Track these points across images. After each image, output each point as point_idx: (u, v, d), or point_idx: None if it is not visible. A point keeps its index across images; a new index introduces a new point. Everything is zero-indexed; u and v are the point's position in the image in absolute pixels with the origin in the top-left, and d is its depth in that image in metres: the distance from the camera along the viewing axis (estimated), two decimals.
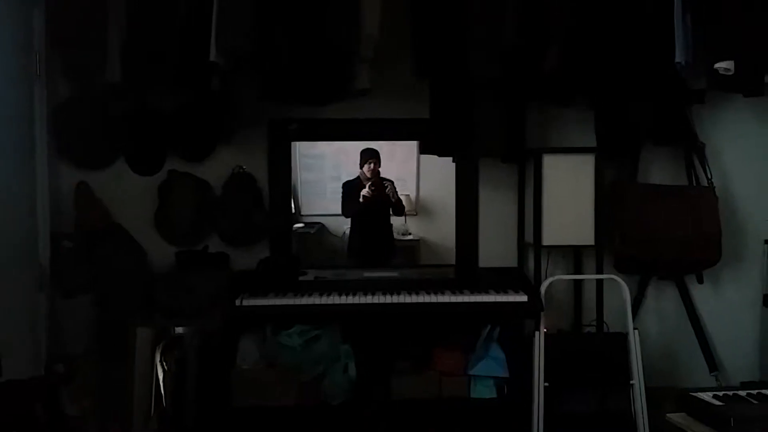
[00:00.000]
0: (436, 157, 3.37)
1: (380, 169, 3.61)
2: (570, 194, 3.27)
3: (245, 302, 3.04)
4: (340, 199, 3.61)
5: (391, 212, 3.66)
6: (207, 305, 3.18)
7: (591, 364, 3.15)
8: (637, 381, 3.10)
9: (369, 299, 3.05)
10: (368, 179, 3.58)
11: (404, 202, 3.69)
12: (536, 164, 3.29)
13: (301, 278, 3.30)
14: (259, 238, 3.43)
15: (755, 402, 2.25)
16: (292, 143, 3.45)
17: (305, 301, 3.04)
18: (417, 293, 3.09)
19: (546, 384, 3.07)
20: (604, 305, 3.37)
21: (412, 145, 3.57)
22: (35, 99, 3.18)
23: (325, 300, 3.04)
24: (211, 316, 3.13)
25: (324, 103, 3.13)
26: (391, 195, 3.59)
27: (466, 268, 3.42)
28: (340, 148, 3.61)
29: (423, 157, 3.51)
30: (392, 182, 3.60)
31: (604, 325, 3.36)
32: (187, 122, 3.32)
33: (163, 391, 3.06)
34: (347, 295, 3.07)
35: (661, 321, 3.55)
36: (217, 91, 2.93)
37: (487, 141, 3.17)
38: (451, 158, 3.43)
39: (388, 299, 3.05)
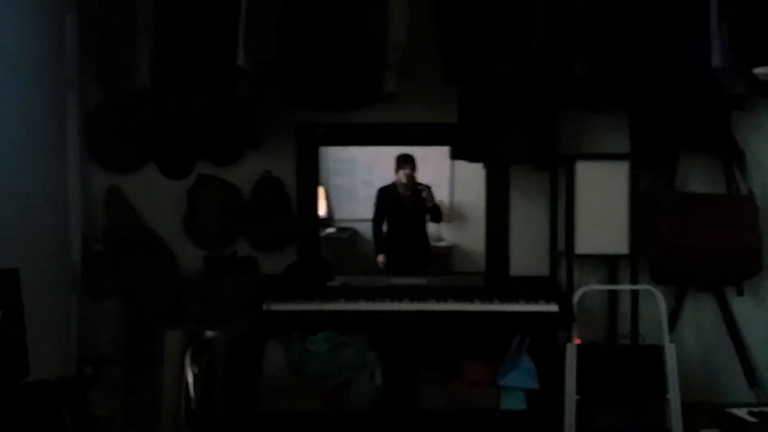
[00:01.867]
0: (470, 162, 3.33)
1: (416, 175, 3.55)
2: (604, 202, 3.21)
3: (272, 307, 3.02)
4: (374, 205, 3.56)
5: (428, 219, 3.59)
6: (234, 310, 3.18)
7: (625, 377, 3.07)
8: (673, 396, 3.00)
9: (396, 306, 3.01)
10: (404, 185, 3.53)
11: None
12: (569, 171, 3.24)
13: (328, 284, 3.28)
14: (287, 243, 3.43)
15: None
16: (320, 148, 3.44)
17: (332, 306, 3.02)
18: (445, 301, 3.05)
19: (578, 397, 2.99)
20: (640, 317, 3.29)
21: (446, 151, 3.51)
22: (67, 103, 3.23)
23: (351, 306, 3.02)
24: (238, 320, 3.12)
25: (351, 109, 3.12)
26: (427, 200, 3.52)
27: (496, 276, 3.37)
28: (373, 153, 3.57)
29: (458, 162, 3.45)
30: (429, 187, 3.53)
31: (640, 337, 3.27)
32: (216, 127, 3.34)
33: (192, 395, 3.05)
34: (374, 301, 3.03)
35: (699, 334, 3.44)
36: (245, 96, 2.93)
37: (517, 147, 3.11)
38: (482, 164, 3.38)
39: (416, 306, 3.02)
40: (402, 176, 3.53)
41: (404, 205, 3.56)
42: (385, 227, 3.60)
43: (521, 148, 3.13)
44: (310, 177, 3.42)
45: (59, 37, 3.16)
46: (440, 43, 3.00)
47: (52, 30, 3.10)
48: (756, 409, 2.22)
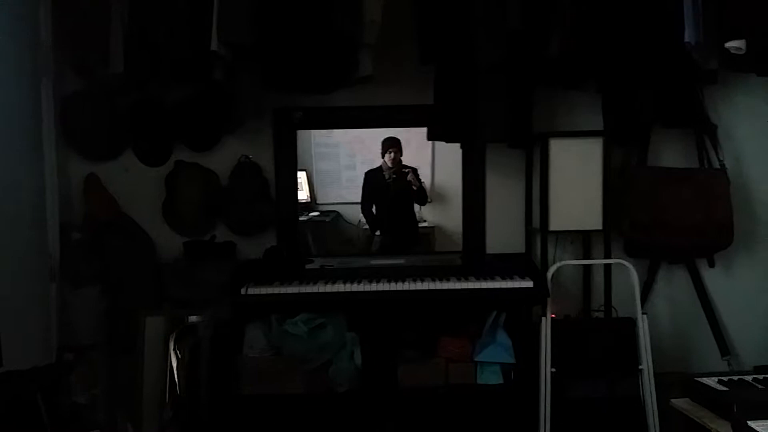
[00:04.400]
0: (451, 144, 3.36)
1: (401, 158, 3.57)
2: (578, 179, 3.22)
3: (250, 291, 3.04)
4: (360, 189, 3.58)
5: (415, 201, 3.62)
6: (214, 294, 3.19)
7: (599, 349, 3.11)
8: (646, 366, 3.06)
9: (374, 287, 3.04)
10: (389, 168, 3.55)
11: None
12: (543, 149, 3.25)
13: (307, 266, 3.30)
14: (266, 228, 3.44)
15: (760, 387, 2.21)
16: (299, 132, 3.45)
17: (310, 289, 3.04)
18: (422, 280, 3.08)
19: (553, 370, 3.05)
20: (613, 291, 3.33)
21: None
22: (42, 92, 3.20)
23: (330, 288, 3.04)
24: (218, 305, 3.14)
25: (328, 91, 3.12)
26: (412, 182, 3.54)
27: (472, 254, 3.41)
28: (355, 137, 3.59)
29: (438, 144, 3.48)
30: (415, 170, 3.56)
31: (613, 310, 3.32)
32: (193, 113, 3.33)
33: (177, 379, 3.08)
34: (352, 282, 3.06)
35: (672, 306, 3.50)
36: (220, 81, 2.92)
37: (493, 126, 3.12)
38: (459, 144, 3.41)
39: (393, 287, 3.04)
40: (387, 159, 3.54)
41: (390, 188, 3.58)
42: (374, 209, 3.63)
43: (498, 127, 3.13)
44: (288, 161, 3.43)
45: (33, 24, 3.13)
46: (416, 23, 2.98)
47: (25, 18, 3.07)
48: (725, 378, 2.26)
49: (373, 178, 3.58)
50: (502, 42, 2.91)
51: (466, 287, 3.05)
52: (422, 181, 3.58)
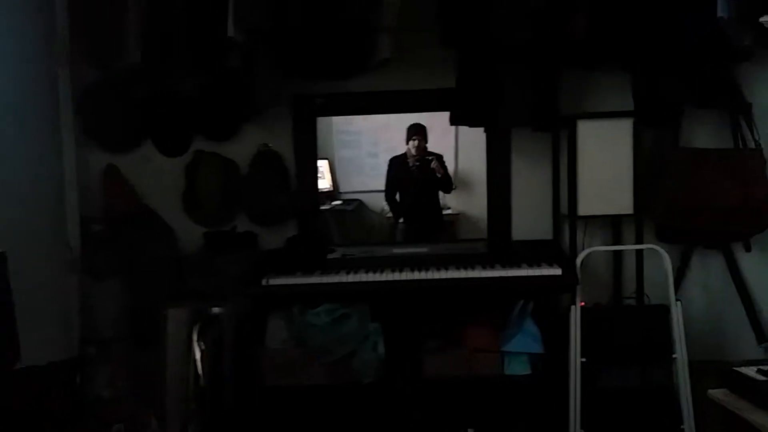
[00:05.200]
0: (475, 129, 3.27)
1: (426, 145, 3.49)
2: (607, 162, 3.13)
3: (272, 281, 3.00)
4: (385, 176, 3.53)
5: (439, 189, 3.55)
6: (235, 285, 3.15)
7: (631, 338, 3.02)
8: (680, 355, 2.96)
9: (396, 276, 2.97)
10: (413, 155, 3.48)
11: None
12: (570, 131, 3.16)
13: (329, 256, 3.25)
14: (287, 217, 3.40)
15: None
16: (319, 119, 3.39)
17: (332, 279, 2.99)
18: (447, 269, 3.01)
19: (583, 359, 2.96)
20: (645, 277, 3.23)
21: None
22: (60, 83, 3.18)
23: (352, 278, 2.98)
24: (239, 296, 3.10)
25: (347, 77, 3.07)
26: (436, 170, 3.47)
27: (498, 241, 3.32)
28: (378, 124, 3.53)
29: (462, 129, 3.39)
30: (440, 157, 3.48)
31: (645, 297, 3.21)
32: (211, 101, 3.29)
33: (201, 372, 3.05)
34: (374, 272, 3.00)
35: (707, 292, 3.38)
36: (237, 68, 2.88)
37: (517, 110, 3.03)
38: (483, 129, 3.32)
39: (416, 275, 2.98)
40: (412, 147, 3.47)
41: (414, 175, 3.51)
42: (398, 197, 3.57)
43: (522, 110, 3.05)
44: (308, 149, 3.37)
45: (49, 15, 3.10)
46: (437, 4, 2.90)
47: (41, 8, 3.05)
48: (765, 367, 2.15)
49: (397, 165, 3.52)
50: (525, 22, 2.82)
51: (491, 275, 2.97)
52: (447, 168, 3.50)
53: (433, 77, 3.22)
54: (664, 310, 3.02)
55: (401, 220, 3.59)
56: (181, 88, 3.27)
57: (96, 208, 3.38)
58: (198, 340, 3.04)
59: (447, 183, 3.52)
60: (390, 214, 3.59)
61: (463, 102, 3.17)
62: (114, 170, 3.40)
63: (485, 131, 3.34)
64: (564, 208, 3.28)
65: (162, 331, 3.12)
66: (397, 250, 3.31)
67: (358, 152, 3.56)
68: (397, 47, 2.96)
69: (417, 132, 3.46)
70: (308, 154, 3.37)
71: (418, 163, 3.48)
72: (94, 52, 3.24)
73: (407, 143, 3.48)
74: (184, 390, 3.07)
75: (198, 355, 3.04)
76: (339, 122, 3.51)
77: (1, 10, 2.71)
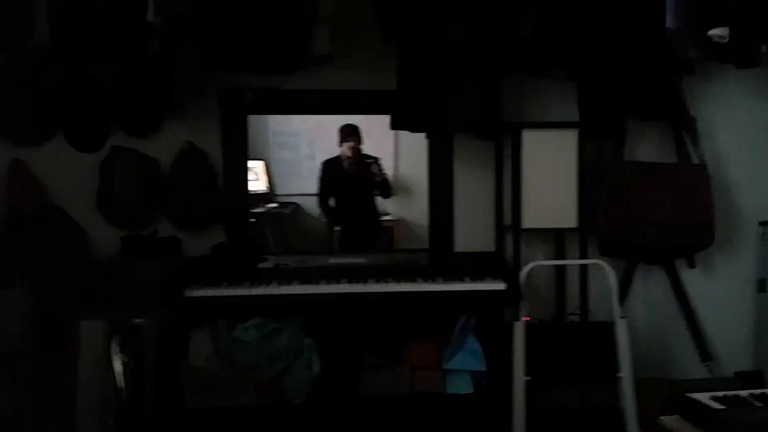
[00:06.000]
0: (412, 133, 3.13)
1: (362, 147, 3.37)
2: (551, 173, 3.06)
3: (196, 293, 2.78)
4: (318, 179, 3.39)
5: (377, 193, 3.41)
6: (156, 295, 2.91)
7: (575, 355, 2.95)
8: (626, 373, 2.89)
9: (332, 288, 2.83)
10: (348, 158, 3.33)
11: None
12: (514, 140, 3.08)
13: (260, 265, 3.03)
14: (213, 222, 3.17)
15: (759, 404, 2.03)
16: (256, 118, 3.22)
17: (262, 291, 2.81)
18: (386, 281, 2.88)
19: (527, 377, 2.86)
20: (589, 292, 3.17)
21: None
22: None
23: (284, 290, 2.81)
24: (160, 307, 2.87)
25: (280, 72, 2.88)
26: (376, 174, 3.33)
27: (440, 253, 3.20)
28: (316, 125, 3.41)
29: (402, 133, 3.26)
30: (378, 160, 3.35)
31: (589, 313, 3.15)
32: (129, 92, 3.06)
33: (123, 385, 2.80)
34: (309, 283, 2.84)
35: (650, 308, 3.35)
36: (158, 56, 2.65)
37: (460, 115, 2.92)
38: (424, 134, 3.19)
39: (353, 288, 2.84)
40: (346, 149, 3.33)
41: (350, 179, 3.39)
42: (332, 202, 3.43)
43: (465, 115, 2.94)
44: (237, 148, 3.16)
45: None
46: None
47: None
48: (720, 394, 2.07)
49: (331, 168, 3.39)
50: (472, 18, 2.72)
51: (433, 289, 2.86)
52: (386, 172, 3.36)
53: (375, 77, 3.08)
54: (609, 327, 2.95)
55: (336, 227, 3.44)
56: (97, 75, 3.02)
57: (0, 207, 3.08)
58: (120, 352, 2.81)
59: (386, 187, 3.40)
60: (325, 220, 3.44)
61: (404, 105, 3.02)
62: (20, 165, 3.12)
63: (427, 137, 3.21)
64: (507, 219, 3.18)
65: (72, 344, 2.90)
66: (333, 260, 3.16)
67: (295, 153, 3.45)
68: (335, 44, 2.82)
69: (351, 133, 3.33)
70: (237, 153, 3.16)
71: (355, 166, 3.33)
72: None
73: (340, 145, 3.35)
74: (99, 406, 2.86)
75: (119, 368, 2.81)
76: (275, 122, 3.38)
77: None
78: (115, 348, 2.82)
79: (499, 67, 3.03)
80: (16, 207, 3.10)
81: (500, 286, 2.87)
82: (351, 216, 3.48)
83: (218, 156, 3.16)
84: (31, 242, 3.05)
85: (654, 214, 3.11)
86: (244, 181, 3.18)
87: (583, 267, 3.16)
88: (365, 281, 2.86)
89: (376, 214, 3.45)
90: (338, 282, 2.85)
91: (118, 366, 2.81)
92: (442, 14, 2.70)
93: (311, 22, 2.68)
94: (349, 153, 3.33)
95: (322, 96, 3.14)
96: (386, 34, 2.81)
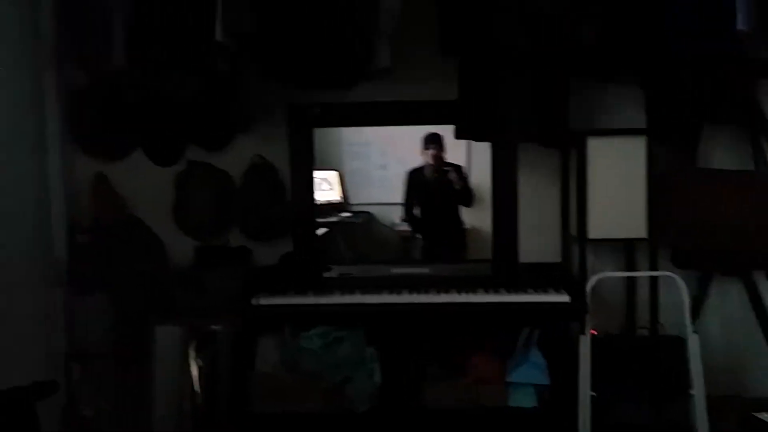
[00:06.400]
0: (476, 142, 3.12)
1: (444, 155, 3.33)
2: (619, 181, 2.98)
3: (263, 301, 2.85)
4: (394, 189, 3.40)
5: (458, 202, 3.38)
6: (226, 303, 3.01)
7: (644, 371, 2.86)
8: (698, 391, 2.77)
9: (394, 298, 2.83)
10: (430, 166, 3.33)
11: None
12: (580, 149, 3.00)
13: (324, 275, 3.09)
14: (281, 232, 3.25)
15: None
16: (328, 130, 3.27)
17: (326, 300, 2.85)
18: (447, 292, 2.86)
19: (593, 393, 2.77)
20: (660, 306, 3.07)
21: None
22: (46, 87, 3.07)
23: (347, 299, 2.84)
24: (230, 314, 2.96)
25: (344, 87, 2.92)
26: (454, 182, 3.31)
27: (504, 263, 3.14)
28: (387, 136, 3.41)
29: (474, 142, 3.23)
30: (457, 168, 3.32)
31: (660, 327, 3.05)
32: (203, 109, 3.16)
33: (198, 389, 2.94)
34: (372, 293, 2.86)
35: (726, 323, 3.20)
36: (227, 74, 2.75)
37: (524, 123, 2.88)
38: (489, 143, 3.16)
39: (416, 298, 2.83)
40: (428, 157, 3.32)
41: (432, 187, 3.37)
42: (417, 211, 3.43)
43: (528, 124, 2.90)
44: (304, 161, 3.20)
45: (34, 17, 3.00)
46: (437, 10, 2.76)
47: (26, 11, 2.95)
48: None
49: (415, 177, 3.38)
50: (531, 28, 2.70)
51: (495, 300, 2.83)
52: (467, 179, 3.33)
53: (435, 88, 3.08)
54: (680, 342, 2.84)
55: (419, 236, 3.43)
56: (172, 94, 3.14)
57: (83, 217, 3.25)
58: (196, 357, 2.95)
59: (466, 196, 3.34)
60: (400, 228, 3.44)
61: (466, 114, 3.01)
62: (102, 179, 3.28)
63: (491, 146, 3.18)
64: (574, 229, 3.11)
65: (149, 348, 3.03)
66: (397, 270, 3.14)
67: (368, 164, 3.46)
68: (399, 56, 2.83)
69: (432, 141, 3.31)
70: (304, 166, 3.20)
71: (435, 174, 3.32)
72: (81, 54, 3.11)
73: (423, 153, 3.34)
74: (174, 409, 2.97)
75: (195, 373, 2.94)
76: (348, 133, 3.41)
77: None
78: (191, 353, 2.95)
79: (563, 74, 2.97)
80: (99, 218, 3.25)
81: (565, 298, 2.81)
82: (434, 225, 3.45)
83: (286, 168, 3.22)
84: (113, 251, 3.20)
85: (730, 223, 2.98)
86: (310, 193, 3.23)
87: (654, 279, 3.06)
88: (427, 292, 2.85)
89: (458, 223, 3.39)
90: (399, 292, 2.85)
91: (194, 370, 2.93)
92: (503, 23, 2.68)
93: (373, 37, 2.71)
94: (430, 160, 3.33)
95: (385, 107, 3.15)
96: (446, 44, 2.81)
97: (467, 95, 2.95)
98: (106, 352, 3.18)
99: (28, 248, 2.95)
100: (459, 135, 3.15)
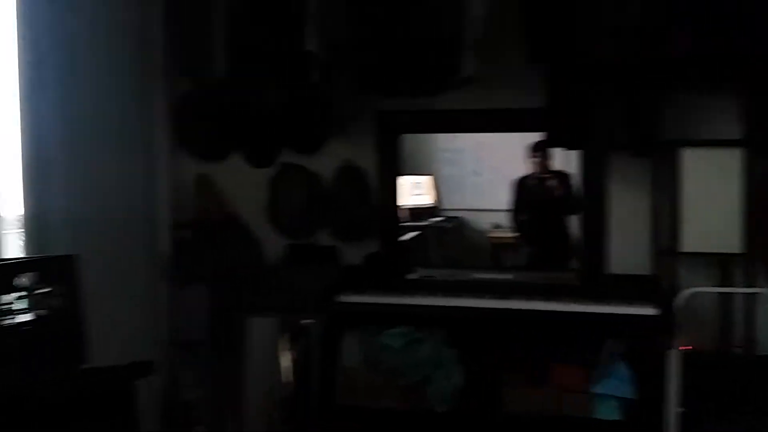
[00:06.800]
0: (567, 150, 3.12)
1: (549, 162, 3.36)
2: (713, 193, 2.88)
3: (347, 299, 2.94)
4: (487, 195, 3.50)
5: (562, 210, 3.38)
6: (312, 299, 3.11)
7: (737, 390, 2.75)
8: None
9: (476, 303, 2.86)
10: (534, 173, 3.38)
11: None
12: (673, 159, 2.92)
13: (408, 276, 3.15)
14: (367, 233, 3.33)
15: None
16: (421, 136, 3.40)
17: (408, 300, 2.91)
18: (530, 299, 2.85)
19: (682, 409, 2.68)
20: (757, 323, 2.93)
21: None
22: (154, 93, 3.27)
23: (428, 301, 2.89)
24: (314, 311, 3.06)
25: (430, 94, 2.96)
26: (555, 189, 3.32)
27: (591, 273, 3.09)
28: (480, 143, 3.48)
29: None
30: (562, 175, 3.32)
31: (757, 345, 2.91)
32: (296, 115, 3.29)
33: (291, 380, 3.06)
34: (454, 296, 2.89)
35: None
36: (318, 83, 2.85)
37: (614, 132, 2.83)
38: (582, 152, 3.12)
39: (498, 304, 2.85)
40: (532, 165, 3.35)
41: (535, 195, 3.40)
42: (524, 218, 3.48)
43: (618, 133, 2.84)
44: (390, 166, 3.28)
45: (146, 27, 3.20)
46: (524, 19, 2.77)
47: (135, 20, 3.15)
48: None
49: (522, 184, 3.41)
50: (618, 36, 2.66)
51: (579, 310, 2.80)
52: (571, 187, 3.30)
53: (521, 96, 3.05)
54: None
55: (522, 242, 3.47)
56: (268, 101, 3.29)
57: (186, 215, 3.44)
58: (290, 349, 3.06)
59: (569, 204, 3.30)
60: (494, 234, 3.49)
61: (555, 122, 2.99)
62: (205, 179, 3.47)
63: (581, 154, 3.13)
64: (664, 241, 3.02)
65: (242, 339, 3.18)
66: (481, 275, 3.16)
67: (461, 170, 3.52)
68: (485, 63, 2.84)
69: (536, 149, 3.33)
70: (390, 171, 3.27)
71: (538, 182, 3.34)
72: (186, 63, 3.30)
73: (528, 161, 3.37)
74: (266, 398, 3.10)
75: (287, 364, 3.06)
76: (441, 139, 3.47)
77: (98, 26, 2.82)
78: (284, 345, 3.08)
79: (653, 83, 2.90)
80: (203, 215, 3.44)
81: (653, 311, 2.74)
82: (538, 232, 3.47)
83: (373, 172, 3.30)
84: (212, 246, 3.36)
85: None
86: (394, 196, 3.27)
87: (750, 295, 2.93)
88: (509, 298, 2.86)
89: (562, 231, 3.38)
90: (481, 297, 2.87)
91: (286, 362, 3.06)
92: (590, 33, 2.65)
93: (460, 46, 2.75)
94: (533, 168, 3.34)
95: (470, 115, 3.16)
96: (533, 54, 2.81)
97: (557, 103, 2.93)
98: (206, 341, 3.33)
99: (136, 243, 3.14)
100: (551, 143, 3.14)
